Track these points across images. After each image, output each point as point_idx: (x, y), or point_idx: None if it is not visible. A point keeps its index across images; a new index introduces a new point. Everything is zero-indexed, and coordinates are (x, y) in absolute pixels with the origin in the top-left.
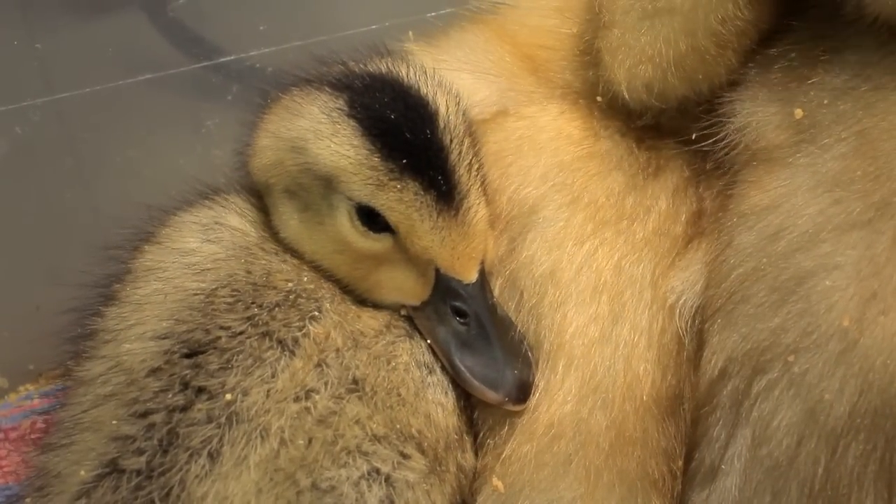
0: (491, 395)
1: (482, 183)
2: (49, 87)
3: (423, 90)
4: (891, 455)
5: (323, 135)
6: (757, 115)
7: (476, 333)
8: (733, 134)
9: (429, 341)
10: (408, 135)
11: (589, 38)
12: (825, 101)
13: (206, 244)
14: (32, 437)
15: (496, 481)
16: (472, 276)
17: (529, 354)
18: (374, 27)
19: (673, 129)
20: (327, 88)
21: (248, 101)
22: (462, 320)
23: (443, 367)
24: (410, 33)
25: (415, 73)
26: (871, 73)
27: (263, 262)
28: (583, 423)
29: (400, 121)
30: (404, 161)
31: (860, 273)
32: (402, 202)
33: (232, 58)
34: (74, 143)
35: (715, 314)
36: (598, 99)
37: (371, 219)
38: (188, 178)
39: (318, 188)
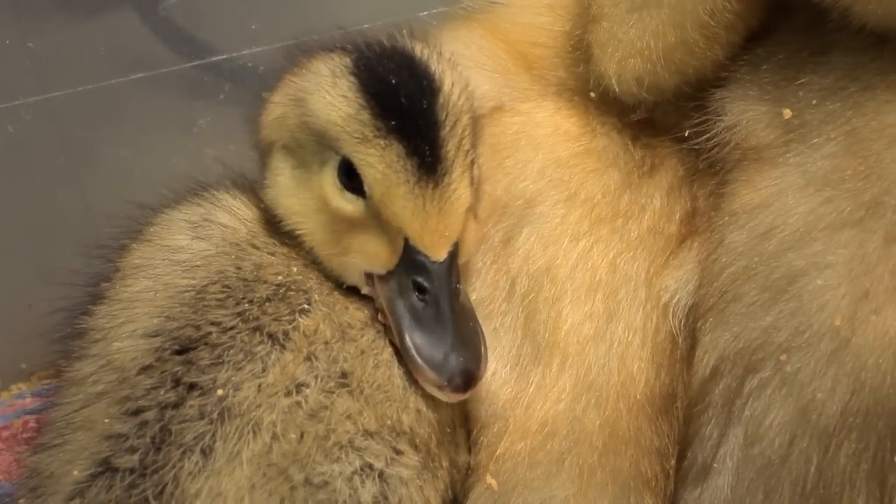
0: (430, 377)
1: (471, 171)
2: (41, 86)
3: (433, 66)
4: (883, 454)
5: (322, 88)
6: (747, 113)
7: (432, 313)
8: (724, 132)
9: (385, 313)
10: (403, 100)
11: (580, 33)
12: (814, 102)
13: (196, 241)
14: (24, 436)
15: (489, 479)
16: (440, 255)
17: (482, 349)
18: (366, 26)
19: (667, 125)
20: (340, 50)
21: (240, 100)
22: (421, 296)
23: None
24: (405, 31)
25: (428, 51)
26: (859, 74)
27: (254, 257)
28: (576, 421)
29: (399, 85)
30: (393, 123)
31: (852, 272)
32: (382, 160)
33: (224, 57)
34: (67, 142)
35: (707, 313)
36: (591, 94)
37: (350, 178)
38: (180, 176)
39: (311, 144)
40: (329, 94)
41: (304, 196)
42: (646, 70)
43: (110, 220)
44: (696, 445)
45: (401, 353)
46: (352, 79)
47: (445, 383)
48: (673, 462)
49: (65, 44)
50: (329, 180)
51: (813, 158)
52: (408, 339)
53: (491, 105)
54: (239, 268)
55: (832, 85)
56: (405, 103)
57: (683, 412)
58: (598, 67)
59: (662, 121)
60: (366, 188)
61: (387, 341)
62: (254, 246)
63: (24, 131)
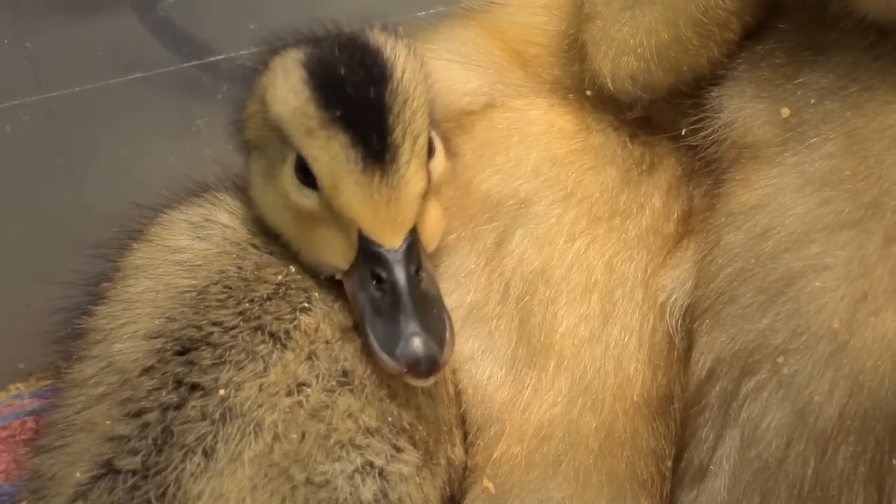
0: (391, 365)
1: (424, 156)
2: (39, 86)
3: (385, 53)
4: (881, 457)
5: (277, 83)
6: (744, 111)
7: (390, 301)
8: (721, 129)
9: (352, 306)
10: (349, 89)
11: (574, 32)
12: (812, 101)
13: (197, 241)
14: (23, 436)
15: (486, 482)
16: (394, 243)
17: (447, 335)
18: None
19: (664, 123)
20: (298, 44)
21: (238, 100)
22: (378, 286)
23: None
24: (400, 29)
25: (384, 39)
26: (859, 74)
27: (254, 256)
28: (573, 423)
29: (346, 75)
30: (338, 113)
31: (850, 274)
32: (327, 152)
33: (222, 57)
34: (65, 142)
35: (703, 314)
36: (588, 93)
37: (305, 172)
38: (178, 176)
39: (273, 140)
40: (281, 89)
41: (273, 193)
42: (640, 68)
43: (108, 220)
44: (692, 447)
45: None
46: (302, 72)
47: (405, 370)
48: (669, 463)
49: (63, 44)
50: (288, 176)
51: (811, 158)
52: (368, 329)
53: (484, 101)
54: (240, 267)
55: (831, 84)
56: (351, 93)
57: (680, 413)
58: (592, 66)
59: (659, 119)
60: (317, 181)
61: None
62: (254, 246)
63: (22, 131)
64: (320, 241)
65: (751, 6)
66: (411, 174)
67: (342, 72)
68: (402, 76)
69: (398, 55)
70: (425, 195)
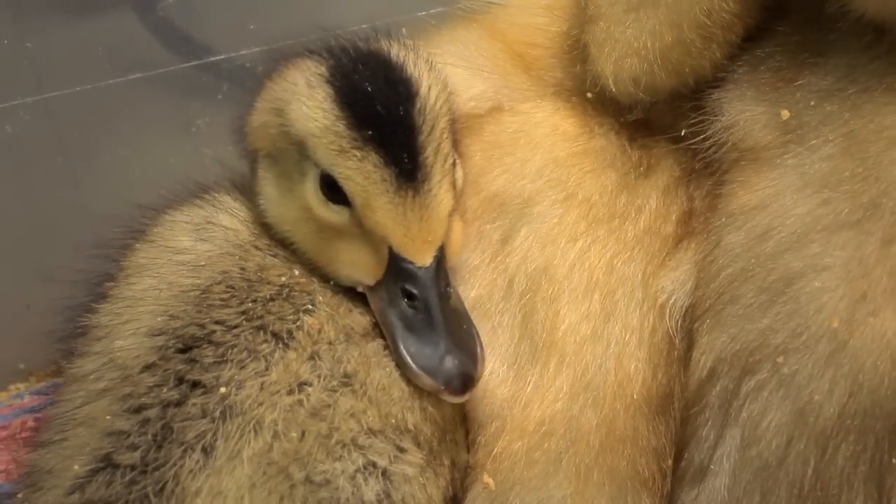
0: (428, 382)
1: (452, 174)
2: (39, 85)
3: (409, 69)
4: (881, 456)
5: (299, 98)
6: (744, 114)
7: (423, 319)
8: (721, 132)
9: (379, 321)
10: (379, 108)
11: (577, 33)
12: (812, 103)
13: (200, 242)
14: (23, 436)
15: (487, 479)
16: (425, 261)
17: (478, 350)
18: (364, 26)
19: (663, 125)
20: (316, 57)
21: (239, 101)
22: (410, 303)
23: None
24: (403, 30)
25: (405, 53)
26: (857, 75)
27: (257, 258)
28: (573, 420)
29: (375, 93)
30: (370, 133)
31: (849, 274)
32: (360, 172)
33: (222, 57)
34: (64, 142)
35: (704, 314)
36: (589, 95)
37: (332, 188)
38: (178, 176)
39: (293, 153)
40: (306, 105)
41: (290, 205)
42: (642, 70)
43: (109, 220)
44: (692, 446)
45: (393, 358)
46: (327, 88)
47: (443, 387)
48: (670, 462)
49: (62, 44)
50: (311, 191)
51: (811, 160)
52: (402, 347)
53: (489, 105)
54: (243, 269)
55: (830, 87)
56: (381, 111)
57: (680, 412)
58: (594, 67)
59: (659, 121)
60: (349, 199)
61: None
62: (257, 248)
63: (22, 131)
64: (344, 256)
65: (752, 8)
66: (443, 193)
67: (369, 89)
68: (429, 93)
69: (422, 72)
70: (452, 212)
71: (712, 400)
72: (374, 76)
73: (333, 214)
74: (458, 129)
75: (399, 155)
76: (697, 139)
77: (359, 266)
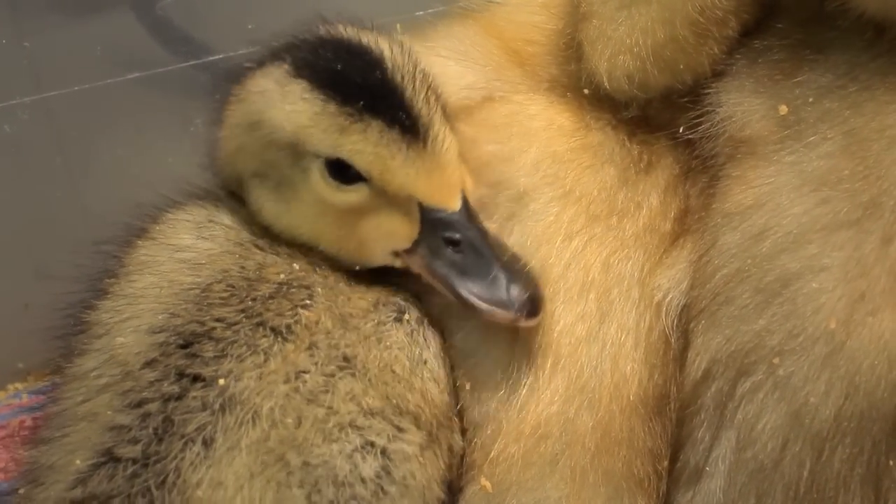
0: (503, 315)
1: (443, 113)
2: (38, 85)
3: (364, 39)
4: (878, 458)
5: (275, 101)
6: (742, 105)
7: (473, 259)
8: (719, 124)
9: (429, 280)
10: (358, 79)
11: (571, 31)
12: (810, 99)
13: (201, 241)
14: (21, 434)
15: (484, 481)
16: (455, 205)
17: (530, 270)
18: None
19: (662, 121)
20: (269, 60)
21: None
22: (456, 249)
23: (437, 344)
24: (398, 26)
25: (353, 29)
26: (858, 73)
27: (257, 257)
28: (569, 423)
29: (347, 69)
30: (361, 103)
31: (848, 274)
32: (367, 142)
33: (220, 56)
34: (63, 142)
35: (699, 315)
36: (585, 91)
37: (341, 171)
38: (177, 176)
39: (285, 159)
40: (287, 104)
41: (300, 210)
42: (636, 67)
43: (107, 220)
44: (688, 448)
45: (459, 305)
46: (300, 81)
47: (519, 315)
48: (666, 463)
49: (61, 43)
50: (320, 184)
51: (809, 157)
52: (464, 292)
53: (481, 95)
54: (243, 267)
55: (830, 84)
56: (360, 81)
57: (676, 414)
58: (589, 65)
59: (657, 117)
60: (363, 173)
61: (393, 325)
62: (257, 246)
63: (21, 131)
64: (374, 231)
65: (748, 4)
66: (448, 136)
67: (340, 67)
68: (392, 53)
69: (375, 38)
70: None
71: (707, 401)
72: (337, 55)
73: (352, 195)
74: (450, 117)
75: (396, 113)
76: (695, 133)
77: (392, 235)
